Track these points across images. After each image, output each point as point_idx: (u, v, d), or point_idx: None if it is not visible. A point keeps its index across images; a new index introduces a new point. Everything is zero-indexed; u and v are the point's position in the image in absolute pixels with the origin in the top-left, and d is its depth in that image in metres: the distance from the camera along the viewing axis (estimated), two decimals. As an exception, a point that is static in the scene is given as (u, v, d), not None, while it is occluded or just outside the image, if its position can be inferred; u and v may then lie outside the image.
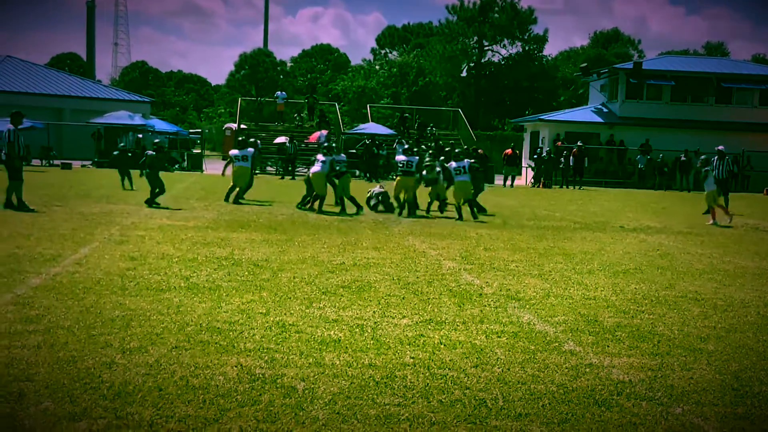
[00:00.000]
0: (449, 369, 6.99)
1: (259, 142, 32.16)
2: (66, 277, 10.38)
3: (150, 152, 22.10)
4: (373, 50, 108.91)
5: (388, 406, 5.87)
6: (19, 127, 19.53)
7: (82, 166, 42.71)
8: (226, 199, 23.63)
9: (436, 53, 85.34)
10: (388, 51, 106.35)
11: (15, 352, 6.80)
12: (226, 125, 61.97)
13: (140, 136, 44.83)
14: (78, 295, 9.24)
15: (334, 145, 24.80)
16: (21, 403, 5.61)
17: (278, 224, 18.10)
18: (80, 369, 6.42)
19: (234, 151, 24.30)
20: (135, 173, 25.51)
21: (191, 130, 60.79)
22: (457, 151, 23.42)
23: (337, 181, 21.74)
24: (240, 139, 26.00)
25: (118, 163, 27.59)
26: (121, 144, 30.73)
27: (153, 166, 21.50)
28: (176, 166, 45.05)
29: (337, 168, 21.65)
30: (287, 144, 42.97)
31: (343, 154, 22.00)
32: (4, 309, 8.35)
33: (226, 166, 26.18)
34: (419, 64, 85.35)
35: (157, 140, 26.18)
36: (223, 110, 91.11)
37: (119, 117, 47.82)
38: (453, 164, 22.04)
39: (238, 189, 23.69)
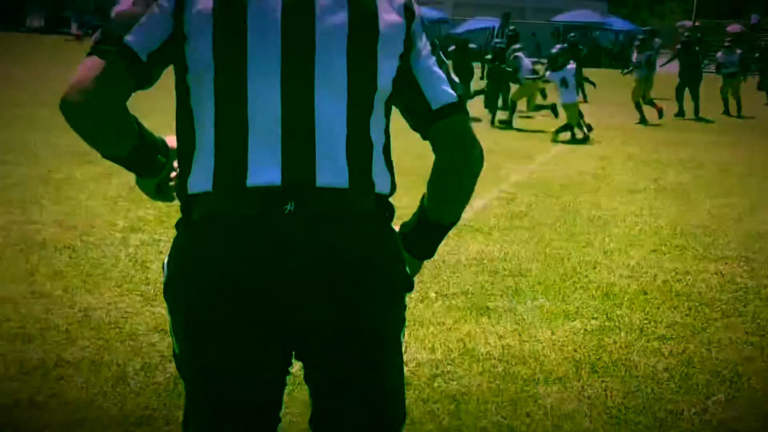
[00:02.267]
0: None
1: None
2: (542, 174, 11.04)
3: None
4: None
5: None
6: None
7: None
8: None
9: None
10: None
11: (506, 247, 7.36)
12: (679, 22, 59.56)
13: (597, 33, 45.07)
14: (556, 193, 9.81)
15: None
16: (518, 297, 5.99)
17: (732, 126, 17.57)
18: (567, 267, 6.81)
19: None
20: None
21: (644, 29, 59.16)
22: None
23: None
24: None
25: None
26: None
27: None
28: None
29: None
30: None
31: None
32: (490, 203, 9.10)
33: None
34: None
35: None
36: (675, 7, 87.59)
37: (578, 15, 48.19)
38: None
39: None
